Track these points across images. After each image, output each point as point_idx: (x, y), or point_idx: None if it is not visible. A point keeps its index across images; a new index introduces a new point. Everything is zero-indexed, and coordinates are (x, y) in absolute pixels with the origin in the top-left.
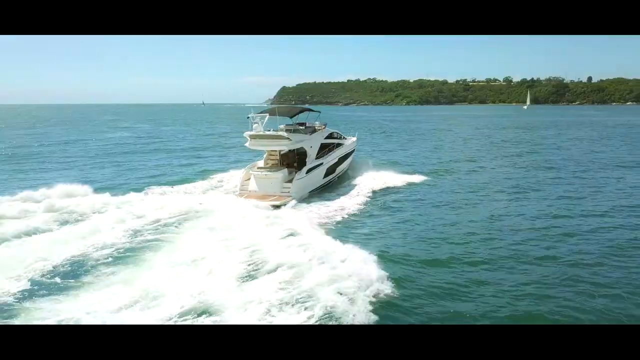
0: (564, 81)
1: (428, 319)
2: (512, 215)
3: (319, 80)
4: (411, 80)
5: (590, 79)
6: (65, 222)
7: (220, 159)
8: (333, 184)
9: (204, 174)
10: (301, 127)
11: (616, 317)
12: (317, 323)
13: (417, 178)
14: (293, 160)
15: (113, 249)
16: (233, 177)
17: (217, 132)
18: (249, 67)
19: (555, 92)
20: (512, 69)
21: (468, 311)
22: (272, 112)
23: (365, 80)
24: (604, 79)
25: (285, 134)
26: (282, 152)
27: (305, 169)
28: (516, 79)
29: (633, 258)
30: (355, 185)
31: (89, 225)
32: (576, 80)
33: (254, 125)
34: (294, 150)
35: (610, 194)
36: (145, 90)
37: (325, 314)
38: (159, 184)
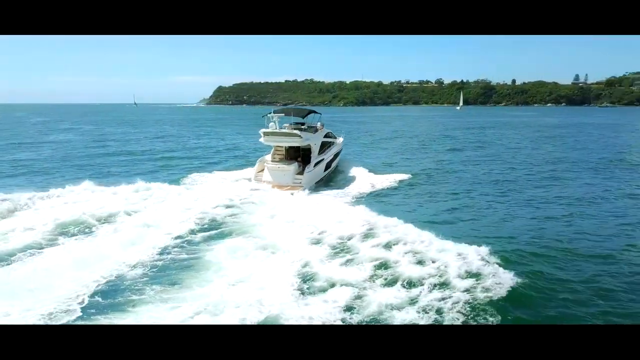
0: (491, 83)
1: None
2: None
3: (256, 80)
4: (347, 82)
5: (514, 81)
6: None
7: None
8: (329, 177)
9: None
10: (303, 127)
11: None
12: (320, 323)
13: (401, 175)
14: (297, 155)
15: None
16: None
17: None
18: (180, 67)
19: (483, 94)
20: (443, 71)
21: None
22: (287, 113)
23: (302, 81)
24: (526, 81)
25: (298, 132)
26: (287, 148)
27: (312, 163)
28: (447, 81)
29: None
30: (351, 177)
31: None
32: (502, 82)
33: (270, 124)
34: (299, 146)
35: None
36: (66, 88)
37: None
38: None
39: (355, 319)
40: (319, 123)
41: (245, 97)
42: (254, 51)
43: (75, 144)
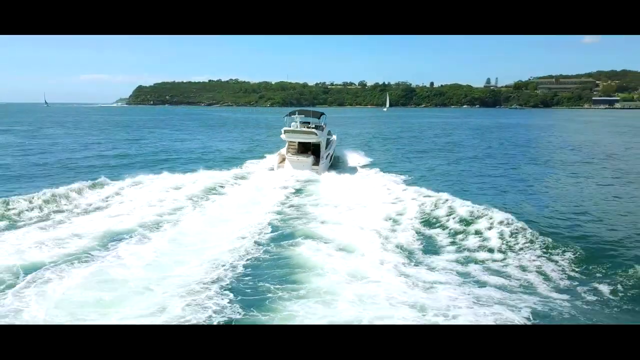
0: (411, 85)
1: None
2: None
3: (178, 79)
4: (273, 82)
5: (432, 84)
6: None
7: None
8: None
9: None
10: (313, 126)
11: None
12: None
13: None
14: (308, 150)
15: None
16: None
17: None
18: (93, 65)
19: (404, 96)
20: (365, 73)
21: None
22: (307, 114)
23: (227, 81)
24: (444, 84)
25: (315, 130)
26: (300, 143)
27: (323, 156)
28: (370, 83)
29: None
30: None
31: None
32: (421, 85)
33: (292, 123)
34: (311, 142)
35: None
36: None
37: None
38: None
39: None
40: (323, 123)
41: (167, 97)
42: (175, 50)
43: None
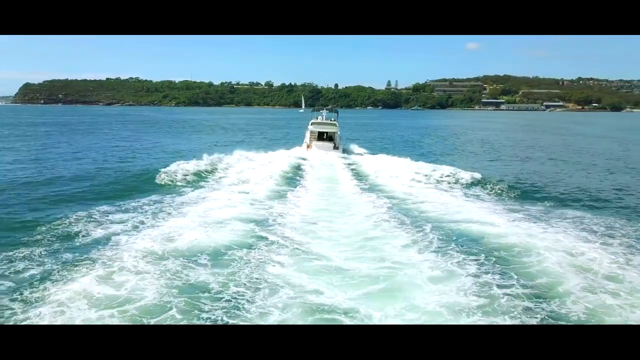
0: (318, 87)
1: None
2: None
3: (71, 77)
4: (177, 81)
5: (336, 85)
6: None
7: None
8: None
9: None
10: (331, 120)
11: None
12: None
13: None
14: (324, 138)
15: None
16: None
17: None
18: None
19: (311, 97)
20: (272, 74)
21: None
22: (330, 109)
23: (127, 79)
24: (347, 85)
25: (335, 122)
26: (320, 132)
27: (339, 142)
28: (276, 83)
29: None
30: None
31: None
32: (326, 86)
33: (319, 117)
34: (328, 132)
35: None
36: None
37: None
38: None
39: None
40: (331, 118)
41: (60, 95)
42: (64, 47)
43: None
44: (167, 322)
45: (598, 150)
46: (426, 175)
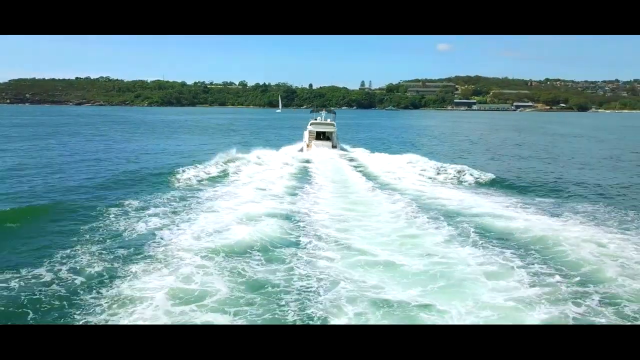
0: (292, 87)
1: None
2: None
3: (39, 76)
4: (149, 81)
5: (311, 85)
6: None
7: None
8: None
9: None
10: (329, 120)
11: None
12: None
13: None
14: (321, 137)
15: None
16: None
17: None
18: None
19: (286, 97)
20: (245, 73)
21: None
22: (329, 110)
23: (97, 79)
24: (322, 86)
25: (333, 122)
26: (317, 132)
27: (337, 141)
28: (250, 83)
29: None
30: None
31: None
32: (300, 86)
33: (318, 118)
34: (325, 131)
35: None
36: None
37: None
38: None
39: None
40: (329, 119)
41: (27, 95)
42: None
43: None
44: (246, 316)
45: (589, 149)
46: (434, 173)
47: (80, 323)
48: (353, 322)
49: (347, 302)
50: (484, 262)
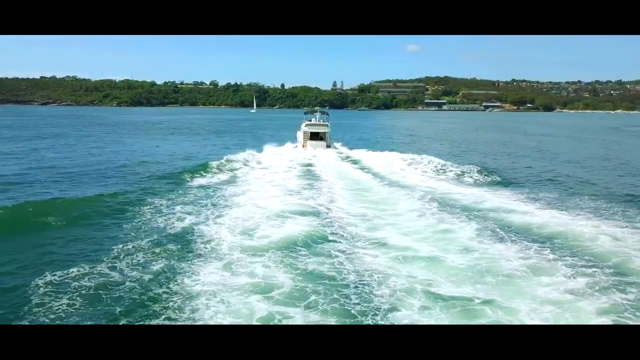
0: (264, 87)
1: None
2: None
3: (1, 74)
4: (117, 80)
5: (283, 85)
6: None
7: None
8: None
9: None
10: (322, 121)
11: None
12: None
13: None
14: (316, 137)
15: None
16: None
17: None
18: None
19: (258, 97)
20: (216, 73)
21: None
22: (322, 112)
23: (63, 78)
24: (294, 86)
25: (326, 123)
26: (312, 132)
27: (330, 141)
28: (221, 83)
29: None
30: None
31: None
32: (272, 86)
33: (312, 119)
34: (319, 132)
35: None
36: None
37: None
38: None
39: None
40: (322, 120)
41: None
42: None
43: None
44: (318, 307)
45: (574, 148)
46: (437, 170)
47: (161, 319)
48: (417, 315)
49: (405, 295)
50: (523, 257)
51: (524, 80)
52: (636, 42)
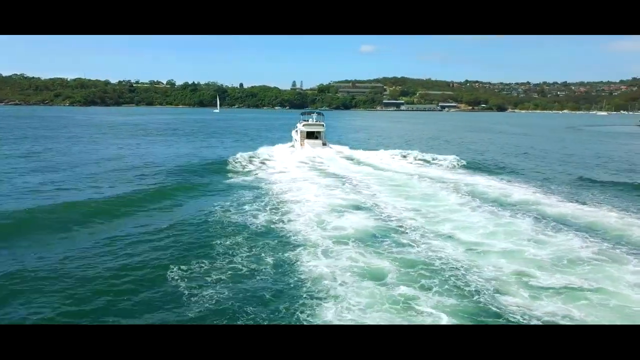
0: (223, 86)
1: None
2: None
3: None
4: (69, 79)
5: (242, 85)
6: None
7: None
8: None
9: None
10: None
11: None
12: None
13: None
14: (312, 136)
15: None
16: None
17: None
18: None
19: (217, 96)
20: (173, 72)
21: None
22: (319, 113)
23: (10, 76)
24: (254, 85)
25: (322, 123)
26: (308, 131)
27: (325, 139)
28: (178, 82)
29: None
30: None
31: None
32: (231, 85)
33: (310, 119)
34: (314, 131)
35: None
36: None
37: None
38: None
39: None
40: (319, 120)
41: None
42: None
43: None
44: (427, 293)
45: (566, 146)
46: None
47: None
48: (527, 304)
49: (507, 284)
50: (588, 246)
51: (477, 81)
52: (580, 44)
